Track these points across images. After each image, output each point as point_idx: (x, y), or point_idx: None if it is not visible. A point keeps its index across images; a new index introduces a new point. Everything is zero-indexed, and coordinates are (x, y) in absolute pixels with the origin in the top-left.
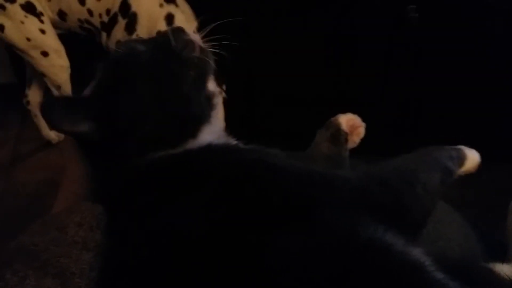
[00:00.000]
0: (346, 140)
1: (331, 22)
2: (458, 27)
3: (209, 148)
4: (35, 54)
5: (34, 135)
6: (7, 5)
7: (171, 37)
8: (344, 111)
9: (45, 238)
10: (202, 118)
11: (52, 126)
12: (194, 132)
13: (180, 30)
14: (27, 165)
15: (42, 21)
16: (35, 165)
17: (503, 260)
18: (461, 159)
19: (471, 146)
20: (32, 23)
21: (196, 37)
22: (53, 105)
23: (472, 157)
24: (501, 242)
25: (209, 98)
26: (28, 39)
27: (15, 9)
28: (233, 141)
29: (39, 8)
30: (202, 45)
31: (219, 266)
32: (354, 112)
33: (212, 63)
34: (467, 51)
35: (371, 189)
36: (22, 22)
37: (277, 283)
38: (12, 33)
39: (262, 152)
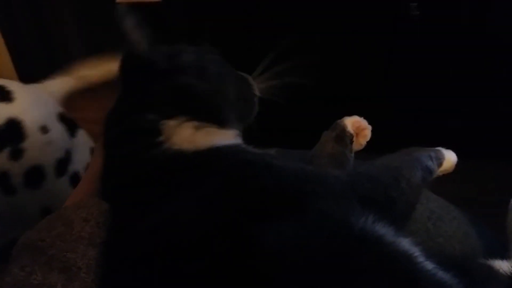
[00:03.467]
0: (352, 142)
1: (331, 20)
2: (460, 24)
3: (230, 148)
4: None
5: None
6: None
7: None
8: (344, 110)
9: (52, 233)
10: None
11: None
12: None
13: None
14: None
15: None
16: None
17: (503, 257)
18: (440, 159)
19: (472, 143)
20: None
21: None
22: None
23: (449, 158)
24: (501, 239)
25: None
26: None
27: None
28: (242, 143)
29: None
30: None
31: (218, 253)
32: (353, 110)
33: None
34: (469, 48)
35: (361, 183)
36: None
37: (272, 267)
38: None
39: (264, 154)
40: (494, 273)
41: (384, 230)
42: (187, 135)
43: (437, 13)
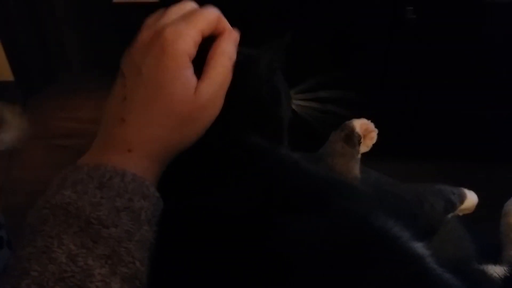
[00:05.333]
0: (360, 142)
1: (328, 23)
2: (456, 28)
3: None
4: None
5: (33, 133)
6: None
7: None
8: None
9: (117, 219)
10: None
11: None
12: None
13: None
14: (26, 162)
15: None
16: (33, 162)
17: (497, 261)
18: (461, 196)
19: (469, 145)
20: None
21: None
22: None
23: (471, 198)
24: (494, 244)
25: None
26: None
27: None
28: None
29: None
30: None
31: (246, 237)
32: (348, 114)
33: None
34: (465, 51)
35: (386, 197)
36: None
37: (294, 252)
38: None
39: (292, 155)
40: (487, 278)
41: (400, 233)
42: None
43: (433, 17)
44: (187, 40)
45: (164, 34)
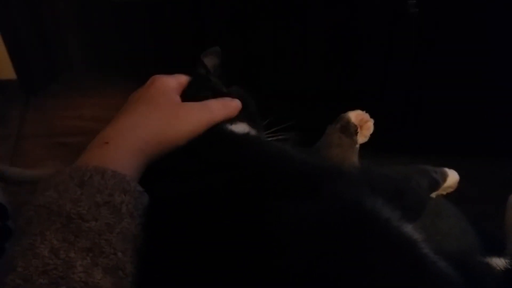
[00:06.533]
0: (356, 133)
1: (330, 18)
2: (459, 22)
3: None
4: None
5: (35, 132)
6: None
7: None
8: (341, 107)
9: (97, 215)
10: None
11: None
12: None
13: None
14: (28, 161)
15: None
16: (36, 160)
17: (500, 254)
18: (443, 174)
19: (472, 140)
20: None
21: None
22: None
23: (453, 175)
24: (499, 237)
25: None
26: None
27: None
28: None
29: None
30: None
31: (237, 226)
32: (351, 107)
33: None
34: (468, 46)
35: (373, 176)
36: None
37: (287, 237)
38: None
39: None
40: (491, 271)
41: (390, 214)
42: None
43: (436, 10)
44: (170, 78)
45: (155, 77)
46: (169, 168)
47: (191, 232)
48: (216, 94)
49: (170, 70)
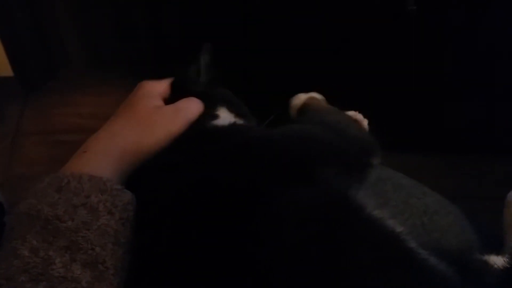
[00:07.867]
0: None
1: (327, 14)
2: (457, 19)
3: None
4: None
5: (33, 129)
6: None
7: None
8: (344, 107)
9: (74, 215)
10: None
11: None
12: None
13: None
14: (27, 158)
15: None
16: (34, 158)
17: (499, 252)
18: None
19: (472, 137)
20: None
21: None
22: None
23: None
24: (497, 234)
25: None
26: None
27: None
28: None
29: None
30: None
31: (231, 212)
32: (347, 105)
33: None
34: (467, 42)
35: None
36: None
37: (280, 224)
38: None
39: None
40: (489, 268)
41: (365, 200)
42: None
43: (434, 8)
44: (156, 84)
45: (140, 83)
46: (155, 169)
47: (185, 226)
48: (192, 93)
49: (169, 68)
